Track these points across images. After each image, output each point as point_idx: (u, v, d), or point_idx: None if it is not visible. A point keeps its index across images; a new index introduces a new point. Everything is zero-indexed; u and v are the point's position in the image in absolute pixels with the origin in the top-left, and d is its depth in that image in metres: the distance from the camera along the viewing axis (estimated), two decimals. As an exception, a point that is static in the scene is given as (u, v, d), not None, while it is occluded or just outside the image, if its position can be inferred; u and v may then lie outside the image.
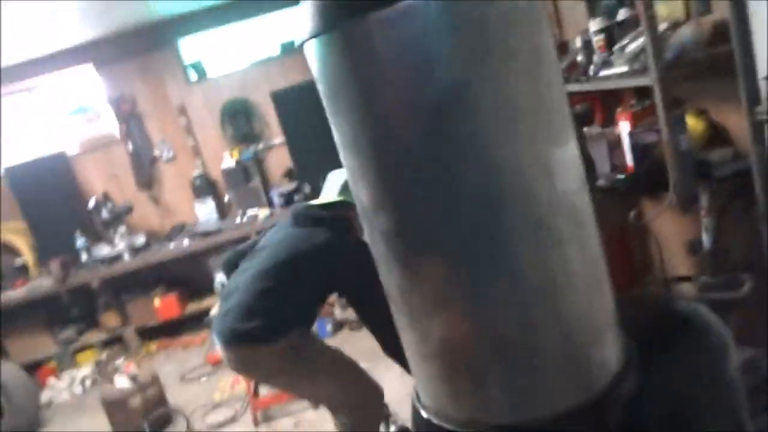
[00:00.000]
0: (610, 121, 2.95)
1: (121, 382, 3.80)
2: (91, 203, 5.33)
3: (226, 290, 2.53)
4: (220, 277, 3.59)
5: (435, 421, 0.81)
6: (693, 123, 2.37)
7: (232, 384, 4.31)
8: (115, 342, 5.56)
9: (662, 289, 2.41)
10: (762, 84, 1.92)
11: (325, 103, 0.84)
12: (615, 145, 2.73)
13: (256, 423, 3.61)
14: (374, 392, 2.63)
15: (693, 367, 0.89)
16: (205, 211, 5.68)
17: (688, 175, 2.17)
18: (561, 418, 0.75)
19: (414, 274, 0.79)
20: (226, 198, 5.72)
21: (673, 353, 0.88)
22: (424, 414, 0.83)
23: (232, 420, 3.78)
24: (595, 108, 3.03)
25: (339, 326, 4.78)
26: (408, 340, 0.84)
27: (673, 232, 2.76)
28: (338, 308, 5.13)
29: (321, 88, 0.81)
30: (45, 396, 4.94)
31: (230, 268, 2.69)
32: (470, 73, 0.67)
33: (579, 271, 0.74)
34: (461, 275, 0.76)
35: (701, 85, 2.42)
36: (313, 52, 0.78)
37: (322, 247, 2.33)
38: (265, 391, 3.81)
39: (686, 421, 0.87)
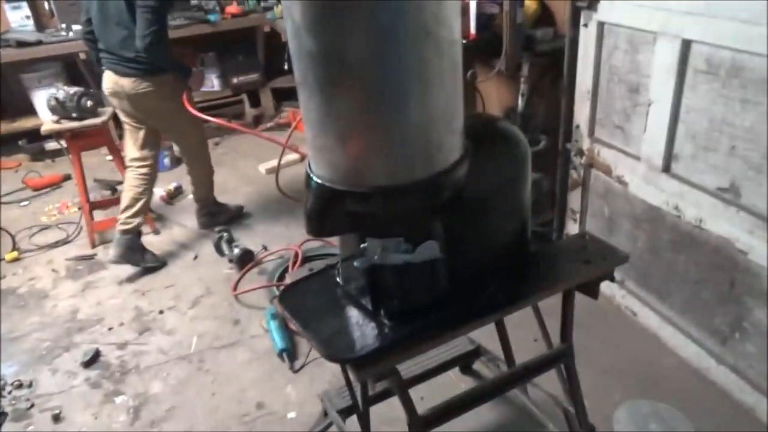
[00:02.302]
0: (461, -11, 3.22)
1: (-71, 196, 3.48)
2: None
3: (99, 33, 3.10)
4: (50, 92, 3.34)
5: (327, 184, 1.08)
6: (528, 2, 2.74)
7: (60, 209, 4.18)
8: None
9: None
10: (586, -24, 2.31)
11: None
12: (464, 11, 3.03)
13: (93, 244, 3.63)
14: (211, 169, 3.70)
15: (504, 164, 1.26)
16: (18, 18, 4.95)
17: (517, 46, 2.57)
18: (415, 184, 1.07)
19: (332, 90, 0.98)
20: (46, 6, 5.02)
21: (492, 153, 1.24)
22: (315, 178, 1.10)
23: (65, 242, 3.74)
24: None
25: (178, 160, 4.76)
26: (310, 121, 1.06)
27: (495, 96, 3.24)
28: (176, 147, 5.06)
29: None
30: None
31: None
32: None
33: (447, 74, 1.02)
34: (361, 64, 0.96)
35: (541, -31, 2.77)
36: None
37: None
38: (101, 215, 3.80)
39: (492, 201, 1.26)
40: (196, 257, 3.46)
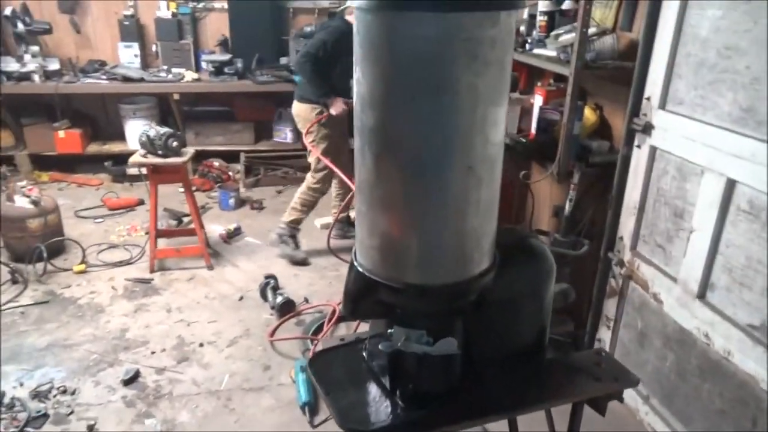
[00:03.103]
0: (529, 91, 3.44)
1: (22, 202, 3.88)
2: (7, 11, 4.99)
3: None
4: (143, 128, 3.72)
5: (366, 273, 1.24)
6: (589, 114, 2.91)
7: (129, 231, 4.53)
8: (4, 162, 5.43)
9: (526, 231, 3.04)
10: (644, 102, 2.45)
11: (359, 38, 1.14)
12: (527, 112, 3.23)
13: (152, 269, 3.91)
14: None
15: (528, 277, 1.39)
16: (128, 55, 5.53)
17: (570, 154, 2.72)
18: (443, 287, 1.22)
19: (379, 169, 1.16)
20: (154, 48, 5.60)
21: (519, 266, 1.38)
22: (359, 268, 1.27)
23: (128, 262, 4.05)
24: (522, 76, 3.50)
25: (242, 203, 5.08)
26: (361, 214, 1.23)
27: (546, 196, 3.37)
28: (243, 186, 5.42)
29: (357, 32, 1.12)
30: None
31: None
32: (456, 70, 1.04)
33: (483, 201, 1.18)
34: (407, 186, 1.15)
35: (605, 86, 2.95)
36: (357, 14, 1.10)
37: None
38: (163, 243, 4.11)
39: (512, 308, 1.39)
40: (241, 298, 3.67)
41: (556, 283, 1.55)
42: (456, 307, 1.29)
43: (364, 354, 1.51)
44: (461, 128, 1.11)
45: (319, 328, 3.30)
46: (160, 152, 3.69)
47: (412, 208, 1.17)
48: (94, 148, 5.60)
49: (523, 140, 3.16)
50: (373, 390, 1.41)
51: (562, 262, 2.97)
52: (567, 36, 2.72)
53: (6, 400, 2.69)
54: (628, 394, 2.80)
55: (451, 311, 1.30)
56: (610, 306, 2.87)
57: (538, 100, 3.10)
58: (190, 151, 3.85)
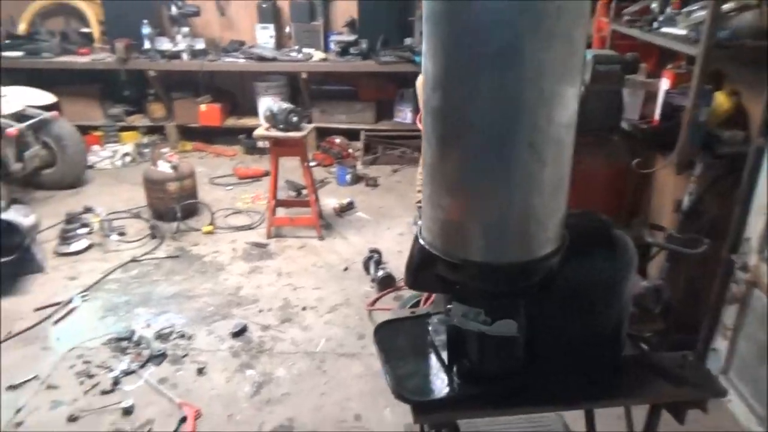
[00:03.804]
0: (658, 74, 3.16)
1: (164, 167, 4.34)
2: (164, -4, 5.56)
3: None
4: (268, 104, 3.99)
5: (429, 248, 1.25)
6: (722, 100, 2.62)
7: (254, 199, 4.90)
8: (156, 131, 6.09)
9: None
10: (787, 87, 2.16)
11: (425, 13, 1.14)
12: (651, 97, 2.98)
13: (269, 235, 4.21)
14: None
15: (599, 266, 1.32)
16: (264, 36, 5.91)
17: (693, 143, 2.48)
18: (505, 266, 1.19)
19: (443, 152, 1.16)
20: (287, 29, 5.93)
21: (591, 254, 1.31)
22: (422, 243, 1.28)
23: (249, 227, 4.39)
24: (650, 58, 3.22)
25: (358, 179, 5.26)
26: (426, 195, 1.25)
27: (667, 187, 3.10)
28: (360, 164, 5.59)
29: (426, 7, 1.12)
30: (89, 160, 5.53)
31: None
32: (526, 40, 1.00)
33: (548, 182, 1.13)
34: (470, 168, 1.14)
35: (745, 70, 2.63)
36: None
37: None
38: (281, 212, 4.39)
39: (582, 297, 1.32)
40: (346, 269, 3.83)
41: (651, 280, 1.45)
42: (517, 288, 1.26)
43: (429, 328, 1.53)
44: (525, 104, 1.07)
45: (416, 305, 3.35)
46: (281, 126, 3.92)
47: (472, 186, 1.16)
48: (230, 121, 6.08)
49: (645, 126, 2.93)
50: (433, 363, 1.43)
51: (675, 261, 2.74)
52: (700, 13, 2.46)
53: (135, 337, 3.07)
54: (741, 411, 2.54)
55: (513, 292, 1.27)
56: (729, 313, 2.60)
57: (664, 84, 2.85)
58: (309, 126, 4.06)
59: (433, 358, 1.44)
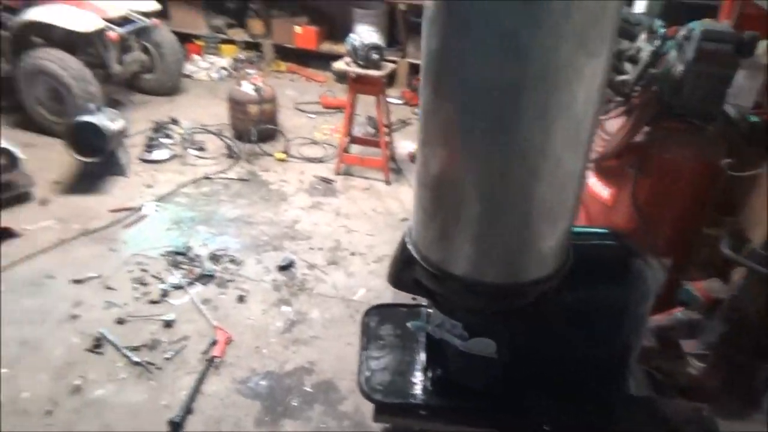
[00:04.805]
0: (788, 56, 2.67)
1: (247, 88, 4.40)
2: None
3: None
4: (353, 38, 3.85)
5: (408, 245, 1.15)
6: None
7: (332, 131, 4.87)
8: (254, 48, 6.16)
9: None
10: None
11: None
12: (770, 84, 2.54)
13: (337, 172, 4.20)
14: None
15: (605, 297, 1.15)
16: (370, -39, 5.66)
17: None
18: (479, 284, 1.06)
19: (438, 96, 1.00)
20: (393, -45, 5.63)
21: (596, 283, 1.14)
22: (406, 236, 1.18)
23: (320, 160, 4.40)
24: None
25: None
26: (417, 164, 1.12)
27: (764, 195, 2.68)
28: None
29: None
30: (186, 69, 5.72)
31: None
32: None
33: (541, 202, 0.96)
34: (468, 119, 0.98)
35: None
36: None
37: None
38: (355, 150, 4.35)
39: (580, 328, 1.17)
40: (404, 219, 3.76)
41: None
42: (501, 308, 1.14)
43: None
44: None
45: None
46: (361, 62, 3.80)
47: (450, 199, 1.03)
48: (326, 46, 6.00)
49: (754, 118, 2.51)
50: (411, 361, 1.36)
51: (757, 281, 2.40)
52: None
53: (191, 254, 3.24)
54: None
55: (496, 313, 1.15)
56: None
57: (789, 71, 2.40)
58: (389, 66, 3.90)
59: (413, 355, 1.37)
